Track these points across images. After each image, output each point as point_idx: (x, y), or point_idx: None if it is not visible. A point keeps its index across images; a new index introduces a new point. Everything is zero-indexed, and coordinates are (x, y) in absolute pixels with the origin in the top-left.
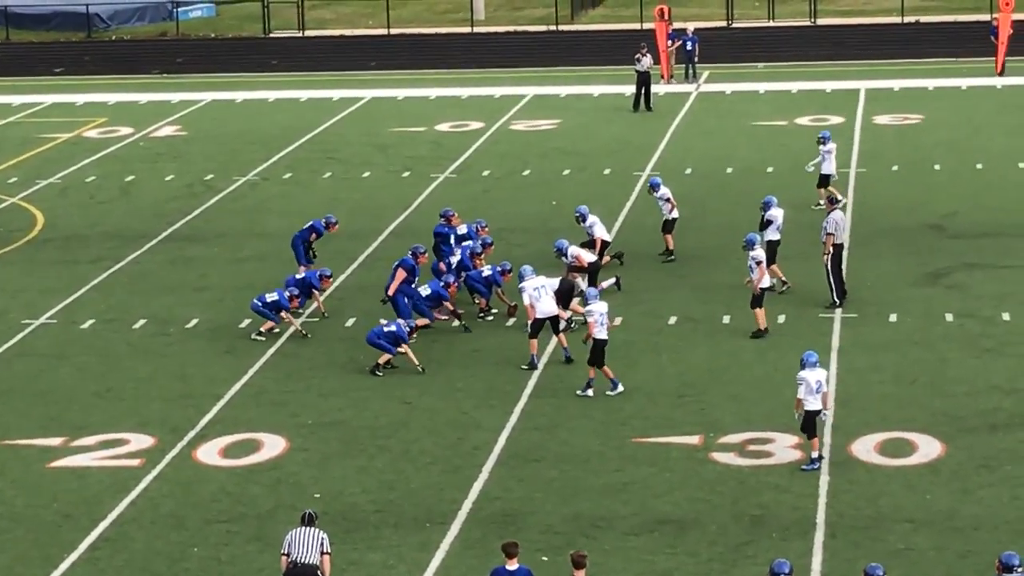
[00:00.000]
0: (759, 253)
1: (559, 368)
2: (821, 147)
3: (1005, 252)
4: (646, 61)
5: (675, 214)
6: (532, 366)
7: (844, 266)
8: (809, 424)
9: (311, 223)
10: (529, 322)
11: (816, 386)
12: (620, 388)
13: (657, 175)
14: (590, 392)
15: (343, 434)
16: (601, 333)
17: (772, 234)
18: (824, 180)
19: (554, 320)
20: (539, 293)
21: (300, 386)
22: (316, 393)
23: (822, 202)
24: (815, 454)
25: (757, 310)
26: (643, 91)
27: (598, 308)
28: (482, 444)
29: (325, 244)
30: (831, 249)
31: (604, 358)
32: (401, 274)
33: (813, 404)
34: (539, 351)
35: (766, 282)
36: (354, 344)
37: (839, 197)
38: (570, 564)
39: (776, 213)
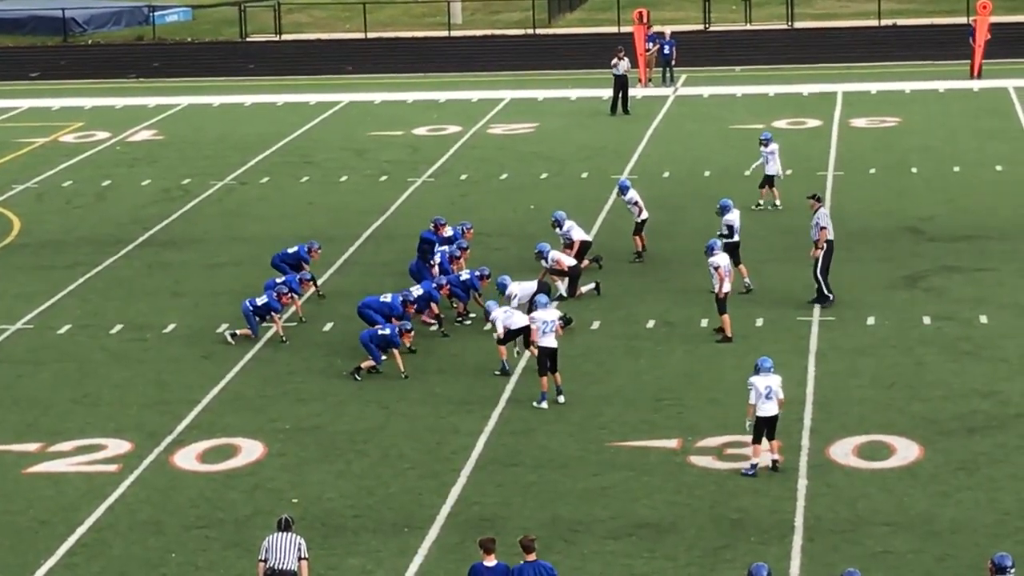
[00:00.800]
0: (716, 259)
1: (536, 374)
2: (763, 148)
3: (982, 255)
4: (623, 64)
5: (644, 215)
6: (504, 372)
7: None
8: (757, 430)
9: (296, 249)
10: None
11: (765, 391)
12: (562, 399)
13: (626, 178)
14: (544, 404)
15: (321, 439)
16: (546, 341)
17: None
18: (768, 180)
19: (526, 332)
20: (508, 314)
21: (277, 391)
22: (294, 398)
23: (761, 202)
24: (755, 460)
25: (724, 316)
26: (621, 94)
27: (542, 316)
28: (460, 449)
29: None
30: (824, 245)
31: (551, 365)
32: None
33: (764, 410)
34: (509, 356)
35: (728, 286)
36: (331, 349)
37: (777, 203)
38: (520, 549)
39: (733, 216)
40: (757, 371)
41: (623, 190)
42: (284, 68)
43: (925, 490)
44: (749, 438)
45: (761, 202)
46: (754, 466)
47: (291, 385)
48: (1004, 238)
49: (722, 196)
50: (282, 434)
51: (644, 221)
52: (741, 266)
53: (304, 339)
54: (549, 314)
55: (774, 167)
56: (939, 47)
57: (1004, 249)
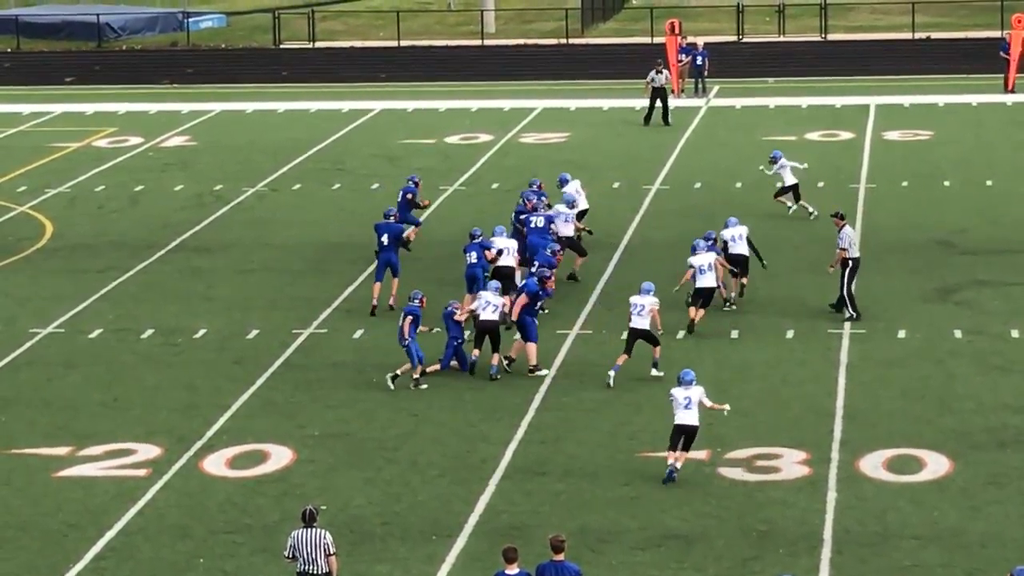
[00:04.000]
0: (691, 258)
1: (567, 382)
2: (774, 166)
3: (1014, 269)
4: (661, 78)
5: (583, 206)
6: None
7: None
8: (673, 439)
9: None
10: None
11: (684, 402)
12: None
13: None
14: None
15: (350, 445)
16: (485, 315)
17: (740, 247)
18: (792, 190)
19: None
20: (485, 302)
21: (307, 397)
22: (323, 404)
23: (793, 206)
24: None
25: (690, 308)
26: (661, 106)
27: (486, 295)
28: (489, 457)
29: (336, 256)
30: (837, 264)
31: (490, 343)
32: (524, 299)
33: (680, 418)
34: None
35: (709, 282)
36: (361, 355)
37: (811, 210)
38: (549, 549)
39: (726, 232)
40: (679, 383)
41: (563, 183)
42: (317, 75)
43: (955, 504)
44: (779, 449)
45: (793, 206)
46: (670, 472)
47: (320, 391)
48: None
49: (754, 207)
50: (311, 440)
51: (584, 212)
52: (738, 280)
53: (334, 345)
54: (494, 298)
55: (791, 178)
56: (973, 60)
57: None
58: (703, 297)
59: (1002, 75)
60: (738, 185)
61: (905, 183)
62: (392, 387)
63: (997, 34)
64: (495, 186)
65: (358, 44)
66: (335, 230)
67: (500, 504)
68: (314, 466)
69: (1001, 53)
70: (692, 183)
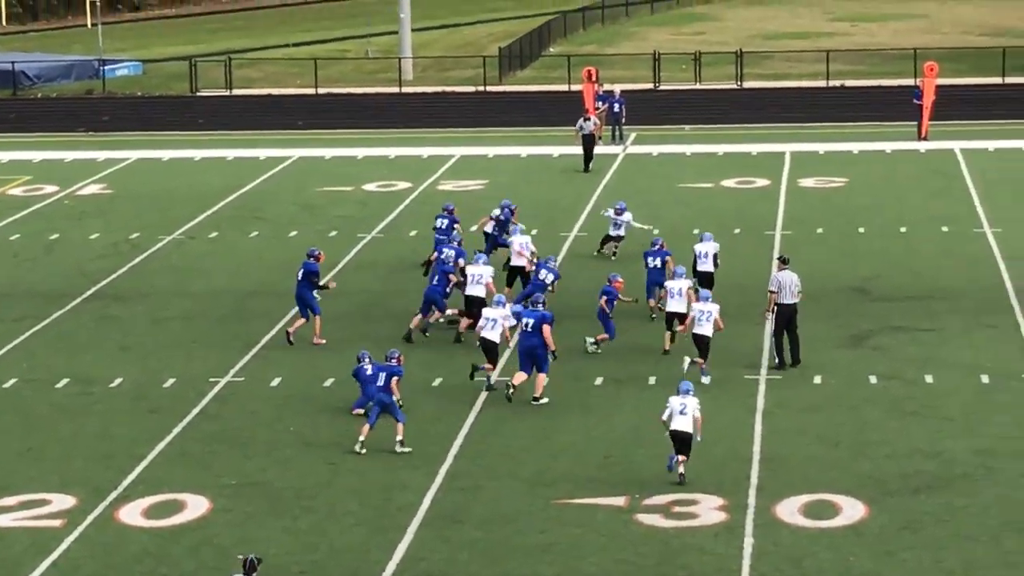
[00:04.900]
0: (671, 283)
1: (484, 428)
2: (618, 216)
3: (928, 315)
4: (589, 125)
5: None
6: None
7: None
8: (673, 441)
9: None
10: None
11: (680, 408)
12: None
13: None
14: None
15: (267, 494)
16: (486, 333)
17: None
18: (615, 241)
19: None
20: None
21: (223, 446)
22: (240, 453)
23: (603, 251)
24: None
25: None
26: (585, 153)
27: (487, 312)
28: (407, 505)
29: (253, 304)
30: (773, 308)
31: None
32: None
33: (675, 424)
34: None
35: (680, 307)
36: (278, 403)
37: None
38: None
39: (697, 246)
40: (678, 392)
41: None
42: (234, 123)
43: (870, 549)
44: (696, 496)
45: (603, 251)
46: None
47: (238, 440)
48: (949, 298)
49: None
50: (228, 489)
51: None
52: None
53: (251, 394)
54: (496, 312)
55: (620, 231)
56: (886, 108)
57: (949, 309)
58: (673, 320)
59: (915, 123)
60: (655, 231)
61: (820, 230)
62: (362, 452)
63: (910, 82)
64: (413, 233)
65: (275, 92)
66: (252, 278)
67: (418, 552)
68: (231, 515)
69: (914, 101)
70: (610, 230)
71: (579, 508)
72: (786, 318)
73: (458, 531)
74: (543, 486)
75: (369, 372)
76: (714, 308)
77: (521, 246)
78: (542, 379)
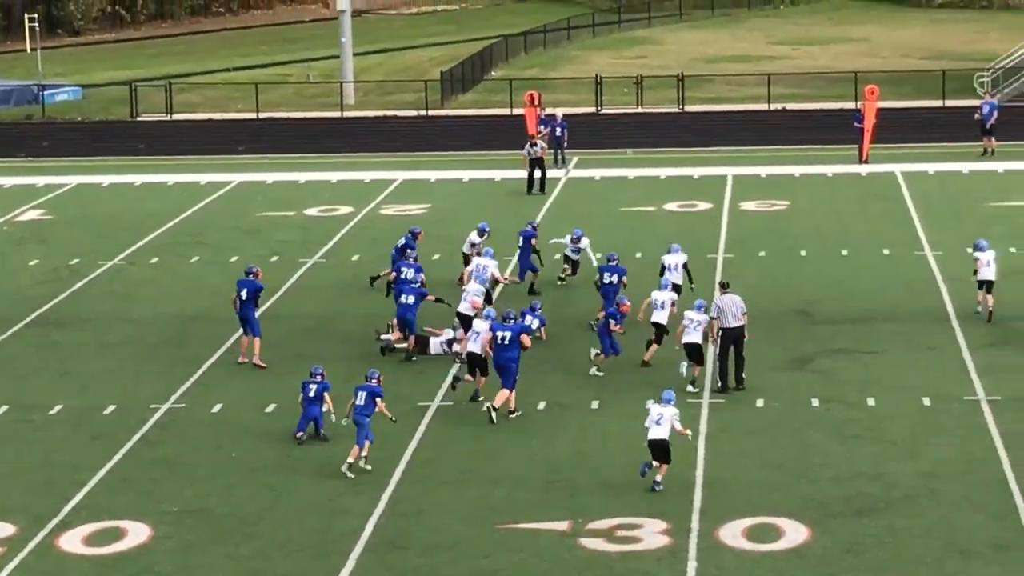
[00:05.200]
0: (657, 293)
1: (427, 454)
2: (575, 246)
3: (870, 338)
4: (536, 149)
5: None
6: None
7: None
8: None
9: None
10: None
11: (657, 417)
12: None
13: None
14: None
15: (209, 521)
16: (471, 346)
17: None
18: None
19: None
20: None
21: (165, 473)
22: (181, 480)
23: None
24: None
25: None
26: (540, 174)
27: (476, 323)
28: (350, 531)
29: (194, 329)
30: (717, 333)
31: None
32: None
33: (651, 433)
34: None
35: (662, 319)
36: (219, 430)
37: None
38: None
39: (674, 259)
40: (660, 401)
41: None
42: (175, 148)
43: (813, 572)
44: (639, 520)
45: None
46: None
47: (179, 467)
48: (891, 320)
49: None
50: (169, 516)
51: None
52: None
53: (192, 420)
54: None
55: (576, 257)
56: (828, 132)
57: (891, 331)
58: (656, 332)
59: (856, 146)
60: (597, 256)
61: (762, 253)
62: (351, 475)
63: (851, 105)
64: (355, 258)
65: (216, 116)
66: (193, 303)
67: None
68: (172, 543)
69: (855, 124)
70: (552, 254)
71: (522, 533)
72: (731, 341)
73: (401, 557)
74: (486, 511)
75: (312, 394)
76: (704, 318)
77: (475, 293)
78: (504, 394)
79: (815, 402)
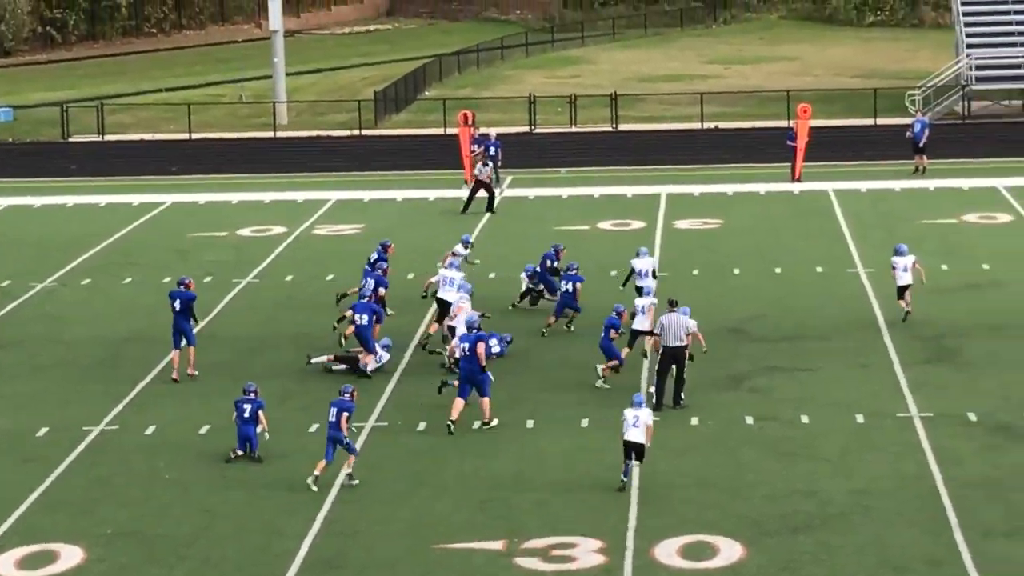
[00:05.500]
0: (640, 300)
1: (361, 473)
2: (530, 283)
3: (804, 355)
4: (487, 170)
5: None
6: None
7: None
8: (626, 452)
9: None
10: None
11: (633, 420)
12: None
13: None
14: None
15: (143, 543)
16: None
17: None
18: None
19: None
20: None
21: (98, 495)
22: (115, 502)
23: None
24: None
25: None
26: (488, 196)
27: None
28: (285, 551)
29: (127, 350)
30: (659, 349)
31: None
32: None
33: (628, 435)
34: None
35: (643, 326)
36: (153, 452)
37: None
38: None
39: (643, 264)
40: (631, 404)
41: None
42: (107, 169)
43: None
44: (575, 539)
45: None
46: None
47: (112, 489)
48: (825, 338)
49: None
50: (103, 538)
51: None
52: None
53: (126, 442)
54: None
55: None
56: (760, 150)
57: (825, 349)
58: (634, 339)
59: (789, 164)
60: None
61: (696, 271)
62: (315, 489)
63: (784, 124)
64: (289, 278)
65: (148, 137)
66: (126, 325)
67: None
68: (106, 565)
69: (788, 142)
70: (487, 273)
71: (458, 552)
72: (671, 360)
73: None
74: (422, 530)
75: (247, 414)
76: (691, 323)
77: (460, 300)
78: (485, 403)
79: (749, 420)
